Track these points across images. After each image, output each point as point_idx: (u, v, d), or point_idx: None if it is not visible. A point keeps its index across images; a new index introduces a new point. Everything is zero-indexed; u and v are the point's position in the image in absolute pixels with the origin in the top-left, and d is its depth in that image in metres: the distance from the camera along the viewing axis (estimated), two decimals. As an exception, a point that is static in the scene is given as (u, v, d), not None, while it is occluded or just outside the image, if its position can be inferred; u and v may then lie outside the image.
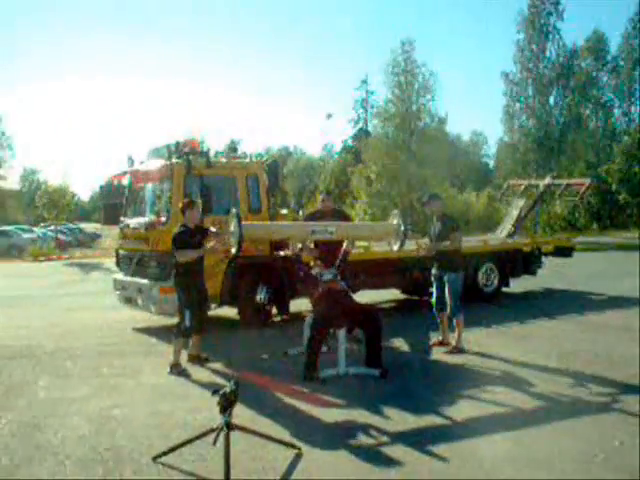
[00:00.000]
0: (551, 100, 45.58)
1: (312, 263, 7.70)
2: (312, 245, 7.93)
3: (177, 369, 7.03)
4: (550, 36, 44.89)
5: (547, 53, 45.98)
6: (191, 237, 7.18)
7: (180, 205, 7.48)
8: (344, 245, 7.92)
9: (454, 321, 7.90)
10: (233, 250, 6.86)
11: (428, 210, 8.34)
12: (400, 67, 39.88)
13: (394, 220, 7.51)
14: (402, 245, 7.32)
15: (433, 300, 8.19)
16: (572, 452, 4.61)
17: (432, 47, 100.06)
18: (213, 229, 7.57)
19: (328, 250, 7.72)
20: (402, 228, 7.23)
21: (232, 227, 6.78)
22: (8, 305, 12.83)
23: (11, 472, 4.40)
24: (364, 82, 64.59)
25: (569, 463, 4.40)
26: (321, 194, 8.76)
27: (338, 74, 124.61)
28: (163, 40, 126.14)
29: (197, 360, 7.40)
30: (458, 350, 7.74)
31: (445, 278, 7.89)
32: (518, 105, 46.02)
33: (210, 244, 7.43)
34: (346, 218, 9.08)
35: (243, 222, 6.69)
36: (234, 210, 6.98)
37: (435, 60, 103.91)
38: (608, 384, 6.31)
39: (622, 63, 52.41)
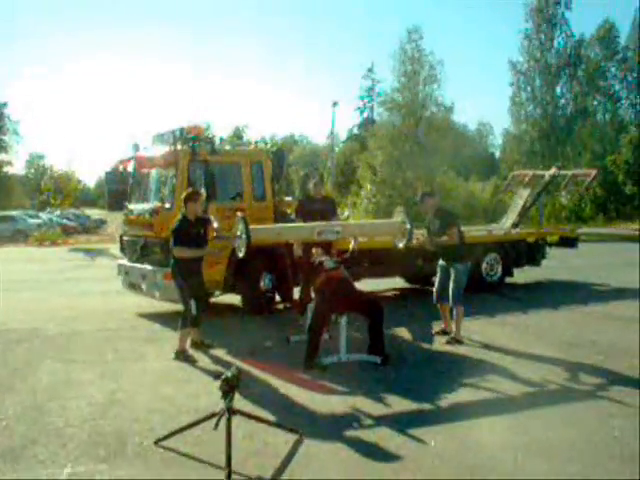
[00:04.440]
0: (558, 90, 45.40)
1: (314, 251, 7.71)
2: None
3: (183, 355, 7.06)
4: (558, 26, 44.69)
5: (555, 43, 45.81)
6: (191, 229, 7.17)
7: (183, 195, 7.47)
8: (351, 246, 8.09)
9: (454, 311, 7.92)
10: (240, 254, 6.89)
11: (423, 209, 8.29)
12: (407, 55, 39.74)
13: (399, 217, 7.49)
14: (408, 242, 7.31)
15: (434, 289, 8.18)
16: (569, 439, 4.64)
17: (439, 36, 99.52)
18: (215, 224, 7.48)
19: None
20: (408, 226, 7.22)
21: (239, 231, 6.80)
22: (14, 289, 12.87)
23: (15, 453, 4.45)
24: (370, 70, 64.43)
25: (566, 449, 4.44)
26: (313, 179, 9.09)
27: (344, 62, 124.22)
28: (169, 25, 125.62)
29: (200, 346, 7.44)
30: (455, 341, 7.76)
31: (452, 269, 7.88)
32: (524, 95, 45.88)
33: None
34: (332, 203, 9.32)
35: (251, 226, 6.77)
36: (240, 214, 7.00)
37: (442, 49, 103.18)
38: (608, 374, 6.33)
39: (631, 54, 51.93)
